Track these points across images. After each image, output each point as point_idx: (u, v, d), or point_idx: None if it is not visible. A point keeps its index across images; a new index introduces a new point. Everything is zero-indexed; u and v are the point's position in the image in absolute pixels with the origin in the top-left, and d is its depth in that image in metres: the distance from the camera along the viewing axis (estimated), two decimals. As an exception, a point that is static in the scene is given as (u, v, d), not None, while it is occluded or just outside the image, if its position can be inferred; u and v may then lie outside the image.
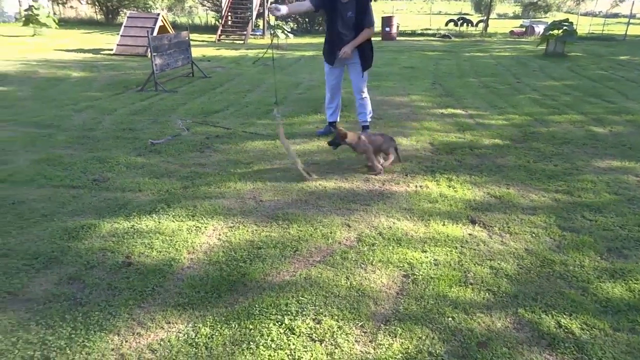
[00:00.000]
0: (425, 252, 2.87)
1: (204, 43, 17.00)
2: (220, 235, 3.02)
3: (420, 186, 3.88)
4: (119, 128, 5.52)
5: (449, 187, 3.87)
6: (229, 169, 4.17)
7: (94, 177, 3.97)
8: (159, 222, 3.17)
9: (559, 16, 36.65)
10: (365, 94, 5.02)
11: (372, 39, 4.83)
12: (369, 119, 5.15)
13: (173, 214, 3.29)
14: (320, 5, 4.68)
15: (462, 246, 2.95)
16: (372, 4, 4.79)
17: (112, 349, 2.03)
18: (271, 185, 3.84)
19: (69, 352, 2.01)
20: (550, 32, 12.76)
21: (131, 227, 3.10)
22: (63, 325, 2.17)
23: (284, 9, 4.51)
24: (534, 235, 3.12)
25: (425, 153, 4.73)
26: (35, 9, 15.82)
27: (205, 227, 3.12)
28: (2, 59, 10.89)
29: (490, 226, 3.23)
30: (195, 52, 12.34)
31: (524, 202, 3.62)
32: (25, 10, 16.74)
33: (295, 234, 3.03)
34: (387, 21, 19.34)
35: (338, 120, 5.35)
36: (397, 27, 20.76)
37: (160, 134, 5.22)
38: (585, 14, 39.42)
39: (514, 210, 3.47)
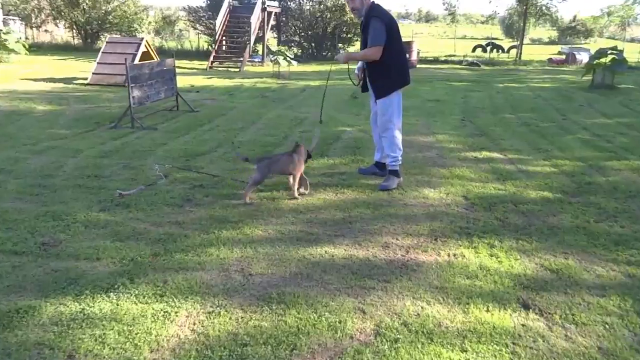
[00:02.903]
0: (465, 351, 2.51)
1: (194, 71, 17.24)
2: (195, 324, 2.69)
3: (455, 255, 3.57)
4: (83, 174, 5.31)
5: (491, 256, 3.56)
6: (213, 230, 3.91)
7: (43, 240, 3.70)
8: (117, 305, 2.85)
9: (601, 42, 37.23)
10: (388, 130, 4.91)
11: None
12: (393, 164, 4.97)
13: (136, 292, 2.98)
14: None
15: (514, 343, 2.60)
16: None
17: None
18: (264, 252, 3.55)
19: None
20: (597, 60, 12.73)
21: (80, 312, 2.78)
22: None
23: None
24: (607, 326, 2.76)
25: (458, 209, 4.47)
26: (4, 33, 16.16)
27: (176, 312, 2.79)
28: (-42, 89, 10.95)
29: (549, 313, 2.88)
30: (183, 82, 12.58)
31: (588, 278, 3.29)
32: (-7, 34, 17.10)
33: (293, 324, 2.69)
34: (405, 47, 19.55)
35: (384, 161, 5.18)
36: (418, 53, 21.03)
37: (132, 183, 5.02)
38: (631, 41, 40.04)
39: (577, 290, 3.13)
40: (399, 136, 4.96)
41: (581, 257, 3.57)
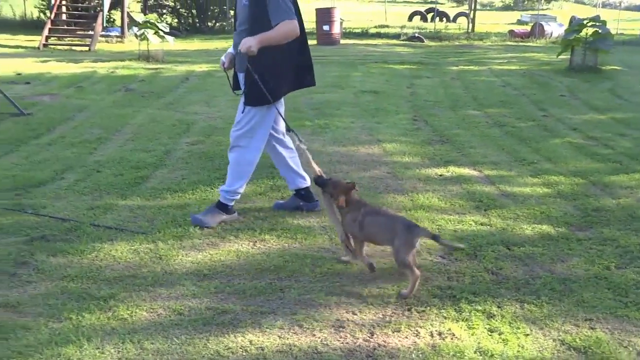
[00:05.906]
0: None
1: (20, 51, 16.84)
2: None
3: (440, 333, 3.44)
4: None
5: (491, 331, 3.46)
6: (68, 315, 3.55)
7: None
8: None
9: (569, 8, 39.90)
10: (238, 145, 4.91)
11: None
12: (225, 196, 4.98)
13: None
14: None
15: None
16: None
17: None
18: (154, 349, 3.21)
19: None
20: (575, 35, 13.49)
21: None
22: None
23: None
24: None
25: (432, 259, 4.42)
26: None
27: None
28: None
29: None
30: (4, 68, 12.48)
31: (628, 357, 3.23)
32: None
33: None
34: (324, 15, 19.70)
35: (292, 188, 5.31)
36: (341, 24, 21.28)
37: None
38: (604, 5, 43.43)
39: (618, 381, 3.07)
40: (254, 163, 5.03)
41: (611, 326, 3.54)
